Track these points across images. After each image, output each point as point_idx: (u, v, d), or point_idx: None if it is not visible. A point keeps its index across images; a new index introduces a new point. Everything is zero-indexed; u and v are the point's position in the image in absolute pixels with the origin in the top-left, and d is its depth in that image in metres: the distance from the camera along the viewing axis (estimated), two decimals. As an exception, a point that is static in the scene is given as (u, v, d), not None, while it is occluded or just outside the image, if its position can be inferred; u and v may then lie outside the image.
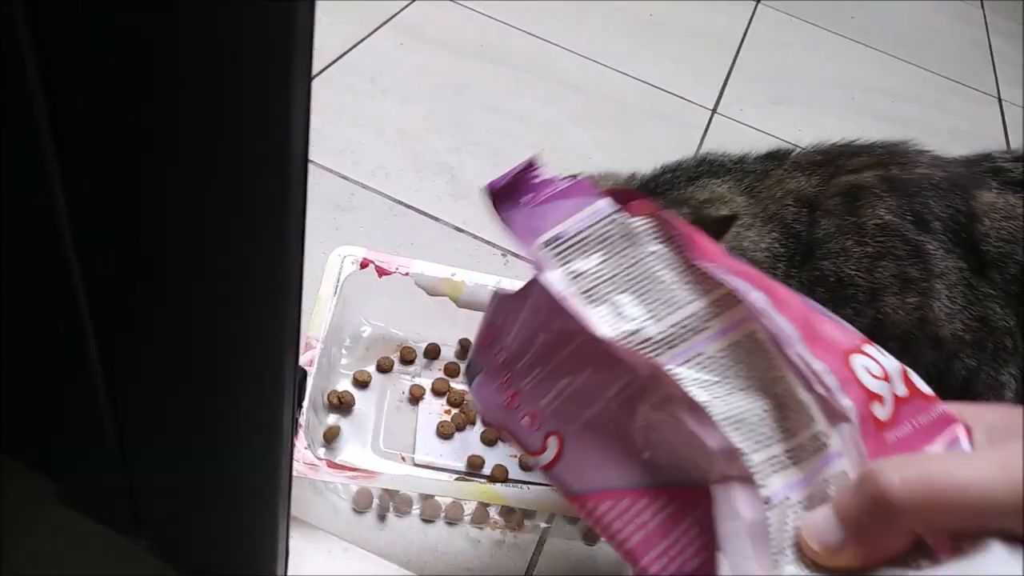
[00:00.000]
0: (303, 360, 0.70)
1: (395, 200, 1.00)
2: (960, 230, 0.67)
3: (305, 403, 0.67)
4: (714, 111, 1.34)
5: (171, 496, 0.54)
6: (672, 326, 0.38)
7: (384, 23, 1.28)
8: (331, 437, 0.73)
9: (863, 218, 0.68)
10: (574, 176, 0.48)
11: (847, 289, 0.68)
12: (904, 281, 0.67)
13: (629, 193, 0.42)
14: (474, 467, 0.74)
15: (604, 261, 0.41)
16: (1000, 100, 1.60)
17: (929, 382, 0.40)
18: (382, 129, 1.10)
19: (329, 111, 1.09)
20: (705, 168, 0.73)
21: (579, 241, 0.41)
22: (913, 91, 1.56)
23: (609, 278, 0.40)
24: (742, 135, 1.30)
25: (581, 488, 0.42)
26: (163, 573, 0.58)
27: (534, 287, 0.43)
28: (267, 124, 0.31)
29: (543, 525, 0.70)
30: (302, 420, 0.66)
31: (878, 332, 0.67)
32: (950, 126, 1.46)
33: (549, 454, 0.43)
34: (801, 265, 0.69)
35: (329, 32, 1.21)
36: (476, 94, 1.21)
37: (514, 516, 0.70)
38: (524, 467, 0.75)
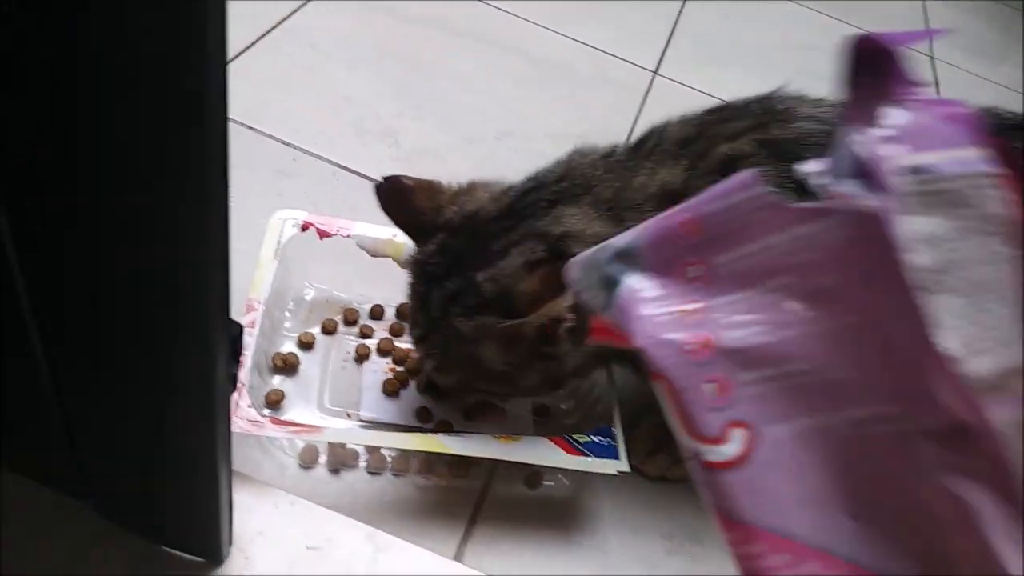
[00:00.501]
0: (245, 321, 0.71)
1: (337, 165, 1.01)
2: None
3: (247, 363, 0.68)
4: (656, 73, 1.36)
5: (113, 455, 0.54)
6: None
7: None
8: (275, 399, 0.74)
9: None
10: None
11: None
12: None
13: (1014, 157, 0.29)
14: (421, 420, 0.76)
15: (959, 239, 0.27)
16: (933, 59, 1.64)
17: None
18: (323, 95, 1.10)
19: (269, 78, 1.09)
20: (565, 188, 0.70)
21: (941, 191, 0.27)
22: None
23: (966, 262, 0.27)
24: (683, 97, 1.32)
25: (754, 519, 0.29)
26: (110, 531, 0.59)
27: (856, 214, 0.29)
28: (181, 64, 0.32)
29: (488, 473, 0.73)
30: (245, 380, 0.67)
31: None
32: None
33: (729, 450, 0.29)
34: None
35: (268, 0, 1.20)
36: (418, 59, 1.22)
37: (458, 465, 0.72)
38: (468, 417, 0.77)
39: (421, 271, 0.71)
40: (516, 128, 1.14)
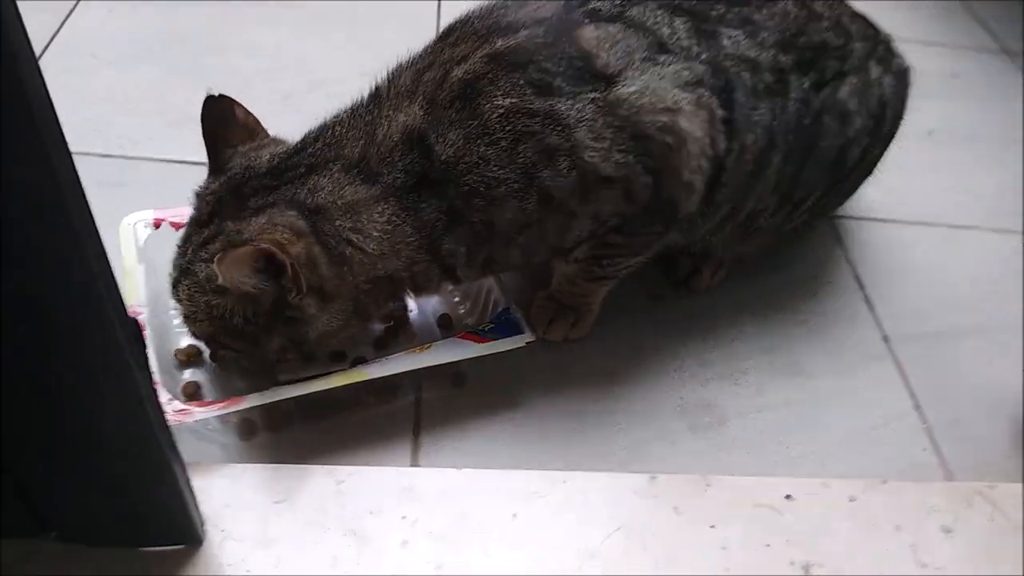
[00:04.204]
0: (135, 326, 0.71)
1: (162, 160, 0.99)
2: (580, 70, 0.69)
3: (152, 363, 0.69)
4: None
5: (62, 484, 0.55)
6: None
7: (81, -6, 1.21)
8: (191, 391, 0.75)
9: (485, 115, 0.67)
10: None
11: (500, 187, 0.68)
12: (550, 152, 0.68)
13: None
14: (335, 360, 0.79)
15: None
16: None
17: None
18: (121, 99, 1.06)
19: (61, 96, 1.04)
20: (319, 150, 0.69)
21: None
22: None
23: None
24: None
25: None
26: (78, 554, 0.59)
27: None
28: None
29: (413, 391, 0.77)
30: (156, 379, 0.67)
31: (548, 204, 0.69)
32: None
33: None
34: (444, 190, 0.68)
35: (28, 20, 1.13)
36: (200, 39, 1.19)
37: (383, 389, 0.76)
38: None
39: (195, 210, 0.70)
40: (326, 75, 1.14)
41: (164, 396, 0.67)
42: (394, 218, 0.68)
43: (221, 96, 0.73)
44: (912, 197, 1.11)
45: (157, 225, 0.80)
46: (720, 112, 0.73)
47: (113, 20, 1.19)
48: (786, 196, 0.83)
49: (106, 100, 1.06)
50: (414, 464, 0.73)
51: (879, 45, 0.86)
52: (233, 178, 0.69)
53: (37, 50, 1.10)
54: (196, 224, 0.69)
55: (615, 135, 0.69)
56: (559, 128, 0.68)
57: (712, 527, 0.69)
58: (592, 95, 0.69)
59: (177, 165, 0.98)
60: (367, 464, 0.71)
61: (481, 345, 0.75)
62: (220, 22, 1.23)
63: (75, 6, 1.19)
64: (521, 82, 0.68)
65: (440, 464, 0.73)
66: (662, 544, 0.68)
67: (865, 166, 0.89)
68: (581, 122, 0.68)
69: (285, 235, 0.64)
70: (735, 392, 0.84)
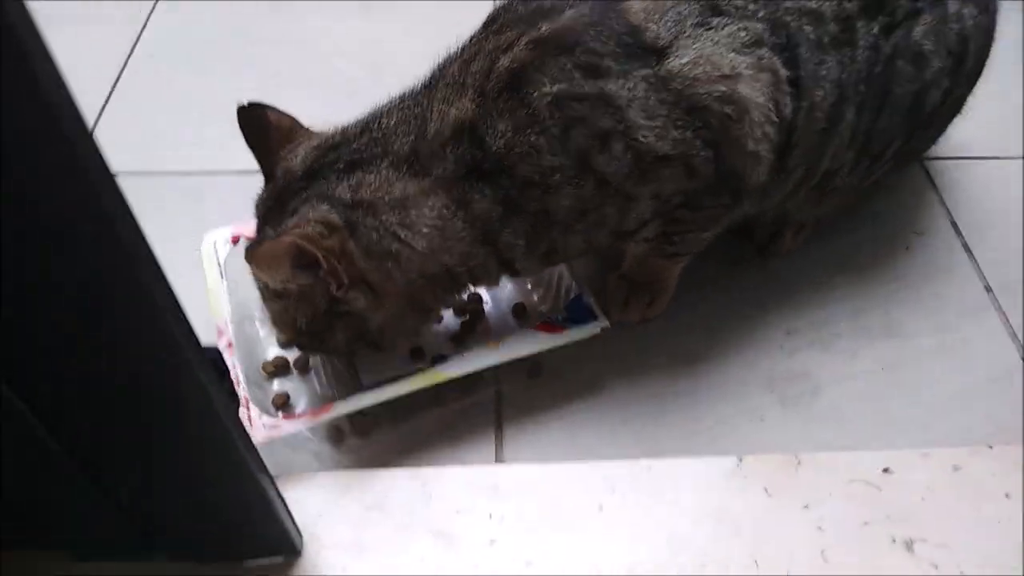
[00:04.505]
0: (221, 344, 0.75)
1: (236, 171, 1.01)
2: (630, 46, 0.66)
3: (241, 380, 0.72)
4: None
5: (165, 508, 0.59)
6: None
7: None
8: (281, 401, 0.78)
9: (534, 103, 0.65)
10: None
11: (555, 175, 0.67)
12: (603, 136, 0.66)
13: None
14: (417, 359, 0.80)
15: None
16: None
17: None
18: (191, 112, 1.08)
19: (136, 118, 1.08)
20: (364, 146, 0.68)
21: None
22: None
23: None
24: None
25: None
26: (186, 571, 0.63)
27: None
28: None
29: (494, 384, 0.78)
30: (245, 395, 0.70)
31: (606, 189, 0.68)
32: None
33: None
34: (497, 180, 0.67)
35: (107, 33, 1.18)
36: (271, 32, 1.20)
37: (463, 385, 0.77)
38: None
39: (255, 219, 0.72)
40: (385, 64, 1.14)
41: (255, 411, 0.70)
42: (445, 211, 0.67)
43: (251, 104, 0.73)
44: (1010, 128, 1.02)
45: (235, 241, 0.83)
46: (784, 72, 0.69)
47: (183, 29, 1.22)
48: (863, 150, 0.78)
49: (183, 111, 1.09)
50: (499, 459, 0.74)
51: None
52: (276, 184, 0.71)
53: (119, 62, 1.15)
54: (256, 233, 0.71)
55: (670, 111, 0.67)
56: (611, 110, 0.66)
57: (805, 507, 0.68)
58: (643, 71, 0.66)
59: (250, 176, 1.01)
60: (452, 462, 0.73)
61: (556, 335, 0.75)
62: (281, 16, 1.24)
63: (148, 19, 1.23)
64: (568, 66, 0.66)
65: (523, 458, 0.73)
66: (754, 527, 0.67)
67: (949, 107, 0.83)
68: (633, 101, 0.66)
69: (317, 229, 0.64)
70: (826, 360, 0.81)
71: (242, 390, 0.71)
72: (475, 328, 0.83)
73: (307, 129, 0.75)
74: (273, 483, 0.59)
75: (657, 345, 0.82)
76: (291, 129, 0.74)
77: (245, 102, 0.73)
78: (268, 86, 1.13)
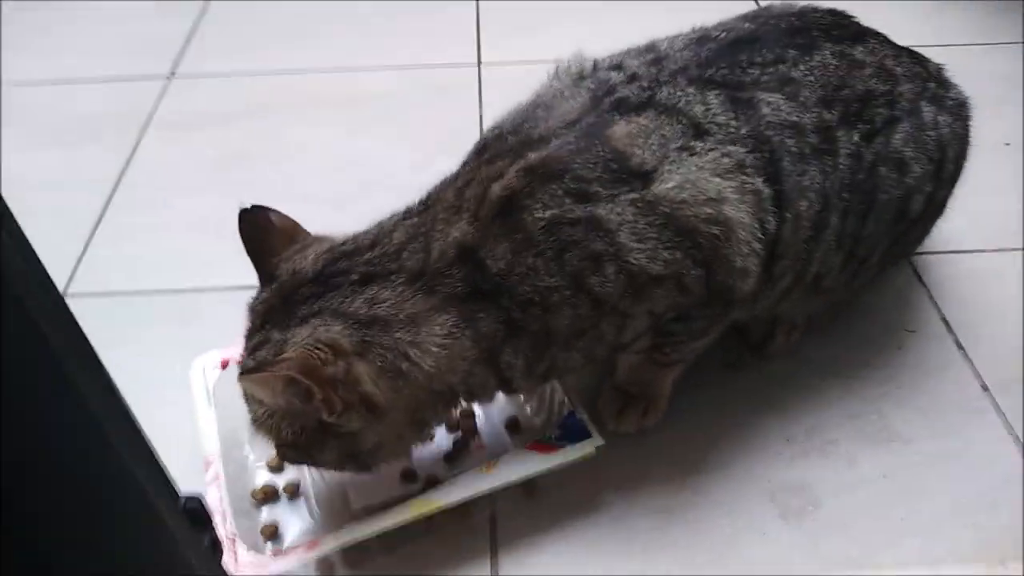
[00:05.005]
0: (208, 477, 0.73)
1: (228, 288, 1.01)
2: (616, 172, 0.68)
3: (229, 513, 0.70)
4: (479, 64, 1.39)
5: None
6: None
7: (145, 125, 1.27)
8: (270, 532, 0.75)
9: (528, 228, 0.67)
10: None
11: (554, 295, 0.67)
12: (595, 258, 0.67)
13: None
14: (409, 481, 0.79)
15: None
16: None
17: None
18: (183, 231, 1.10)
19: (126, 238, 1.09)
20: (377, 258, 0.68)
21: None
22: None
23: None
24: (510, 75, 1.35)
25: None
26: None
27: None
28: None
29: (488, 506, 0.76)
30: (228, 534, 0.68)
31: (601, 308, 0.68)
32: None
33: None
34: (499, 300, 0.67)
35: (95, 161, 1.20)
36: (258, 151, 1.23)
37: (457, 509, 0.75)
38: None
39: (248, 323, 0.71)
40: (374, 171, 1.16)
41: (242, 549, 0.68)
42: (454, 330, 0.67)
43: (254, 207, 0.73)
44: (993, 220, 1.04)
45: (224, 366, 0.82)
46: (767, 191, 0.70)
47: (172, 152, 1.24)
48: (850, 255, 0.79)
49: (174, 233, 1.10)
50: (495, 587, 0.72)
51: (929, 82, 0.82)
52: (282, 285, 0.69)
53: (106, 192, 1.17)
54: (249, 335, 0.69)
55: (659, 233, 0.68)
56: (601, 233, 0.67)
57: (814, 632, 0.65)
58: (631, 195, 0.67)
59: (242, 291, 1.01)
60: (448, 589, 0.70)
61: (549, 456, 0.74)
62: (273, 135, 1.27)
63: (137, 143, 1.25)
64: (559, 192, 0.68)
65: (521, 586, 0.71)
66: (762, 655, 0.64)
67: (932, 211, 0.84)
68: (623, 225, 0.67)
69: (321, 354, 0.63)
70: (825, 467, 0.80)
71: (228, 526, 0.69)
72: (468, 446, 0.82)
73: (309, 232, 0.75)
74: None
75: (655, 455, 0.81)
76: (294, 231, 0.74)
77: (248, 205, 0.73)
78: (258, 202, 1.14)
